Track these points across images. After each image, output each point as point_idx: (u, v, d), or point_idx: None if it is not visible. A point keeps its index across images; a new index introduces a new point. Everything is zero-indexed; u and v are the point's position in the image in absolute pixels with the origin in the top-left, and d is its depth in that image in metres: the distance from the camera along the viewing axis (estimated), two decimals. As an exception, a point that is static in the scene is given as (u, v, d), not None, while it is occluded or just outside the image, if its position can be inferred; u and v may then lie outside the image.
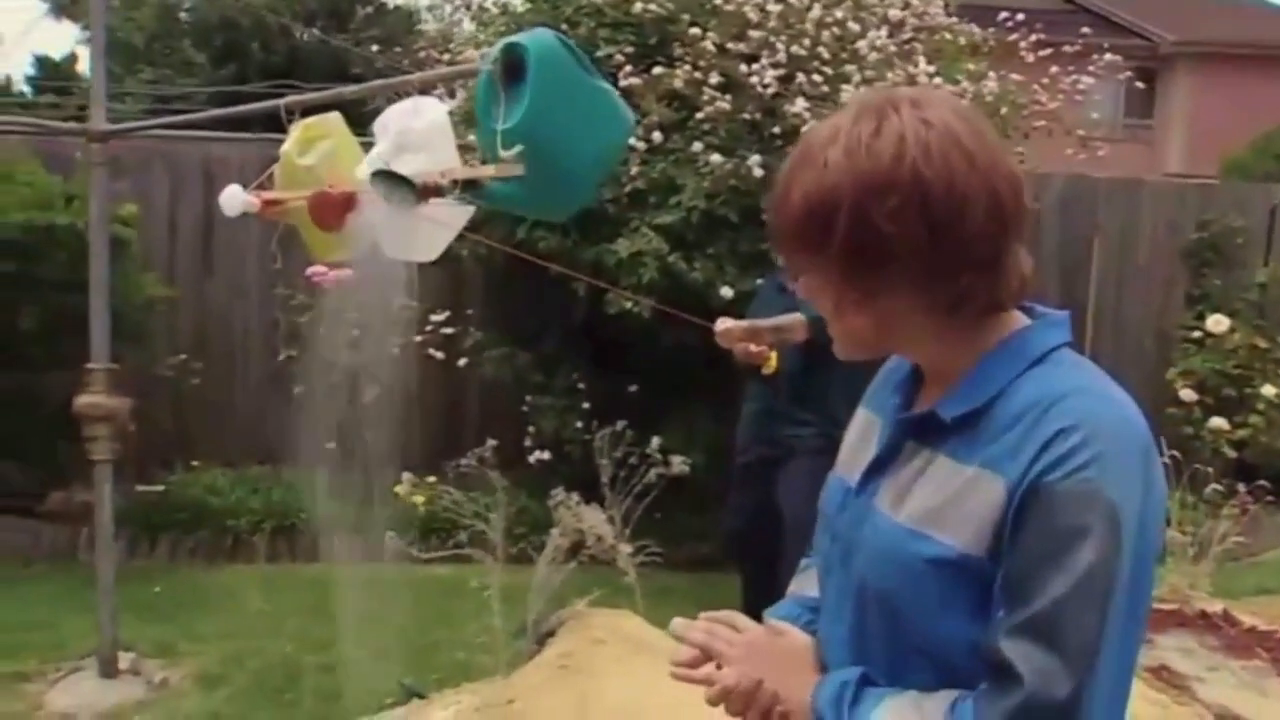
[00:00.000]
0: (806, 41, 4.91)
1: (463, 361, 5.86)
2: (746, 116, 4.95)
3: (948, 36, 5.59)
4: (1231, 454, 6.19)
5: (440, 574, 4.65)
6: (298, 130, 2.93)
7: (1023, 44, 6.02)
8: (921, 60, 5.02)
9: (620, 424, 4.21)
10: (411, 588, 4.62)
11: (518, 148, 2.24)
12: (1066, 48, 6.01)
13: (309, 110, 2.98)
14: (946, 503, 1.08)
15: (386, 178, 2.34)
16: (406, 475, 4.39)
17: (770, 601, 1.43)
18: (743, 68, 4.92)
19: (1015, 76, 5.68)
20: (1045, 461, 1.02)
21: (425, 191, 2.34)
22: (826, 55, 4.92)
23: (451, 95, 5.26)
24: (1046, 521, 1.01)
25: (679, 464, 4.04)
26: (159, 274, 6.06)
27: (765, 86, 4.82)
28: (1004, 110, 5.46)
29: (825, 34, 4.95)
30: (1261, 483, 5.10)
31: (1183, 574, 4.61)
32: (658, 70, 4.94)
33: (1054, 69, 5.81)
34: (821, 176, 1.08)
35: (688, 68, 4.92)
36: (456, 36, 6.61)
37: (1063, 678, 0.98)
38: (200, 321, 6.45)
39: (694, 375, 4.89)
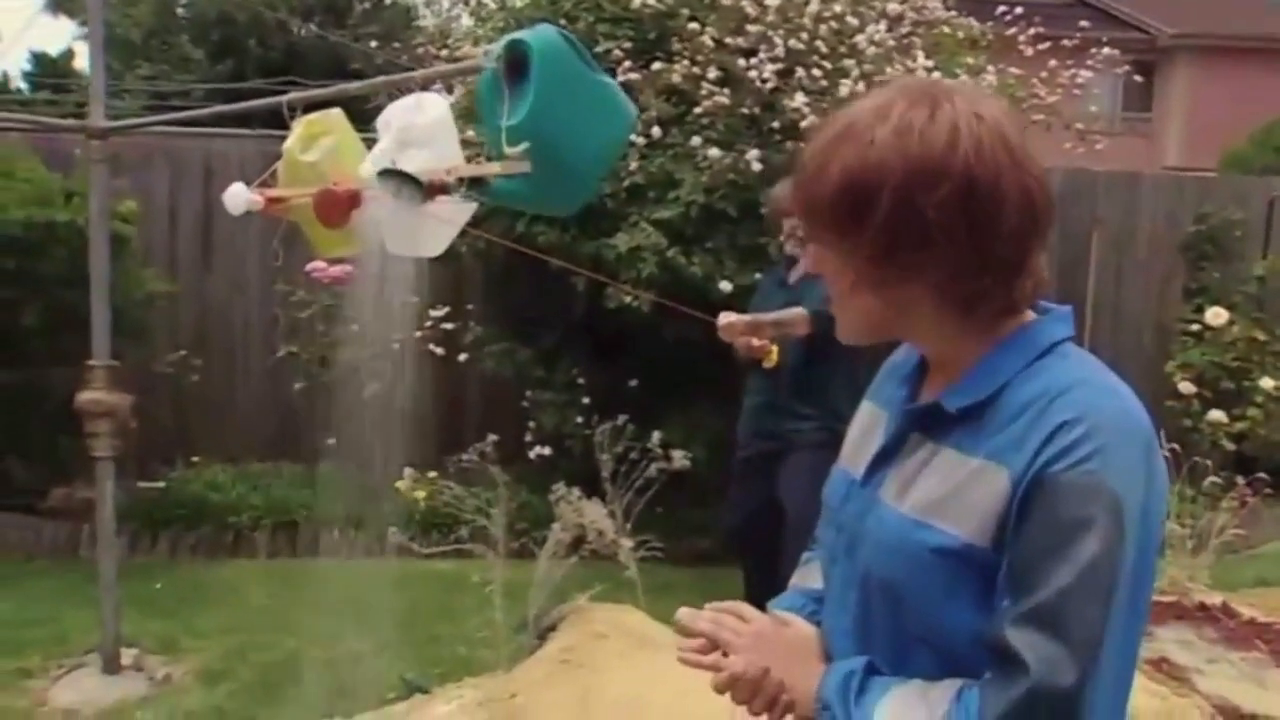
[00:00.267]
0: (805, 36, 4.91)
1: (463, 357, 5.87)
2: (745, 111, 4.96)
3: (946, 30, 5.58)
4: (1230, 447, 6.21)
5: (442, 569, 4.65)
6: (300, 126, 2.93)
7: (1021, 38, 6.02)
8: (920, 55, 5.02)
9: (621, 418, 4.22)
10: (413, 583, 4.64)
11: (523, 144, 2.25)
12: (1065, 42, 6.00)
13: (311, 107, 2.98)
14: (951, 493, 1.10)
15: (393, 176, 2.34)
16: (408, 471, 4.38)
17: (772, 596, 1.43)
18: (741, 62, 4.92)
19: (1014, 70, 5.68)
20: (1050, 453, 1.03)
21: (432, 189, 2.35)
22: (825, 50, 4.92)
23: (450, 91, 5.25)
24: (1051, 512, 1.02)
25: (680, 459, 4.04)
26: (159, 270, 6.07)
27: (764, 81, 4.82)
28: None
29: (823, 28, 4.95)
30: (1260, 475, 5.11)
31: (1181, 566, 4.62)
32: (656, 65, 4.94)
33: (1052, 63, 5.80)
34: (866, 153, 1.08)
35: (686, 63, 4.92)
36: (455, 32, 6.60)
37: (1068, 666, 0.99)
38: (200, 318, 6.46)
39: (694, 370, 4.89)
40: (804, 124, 4.70)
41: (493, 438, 4.30)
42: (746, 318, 3.99)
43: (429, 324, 5.76)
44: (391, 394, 4.23)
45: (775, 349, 3.93)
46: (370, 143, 2.70)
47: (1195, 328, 6.77)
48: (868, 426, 1.31)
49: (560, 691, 3.47)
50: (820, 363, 3.84)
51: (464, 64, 3.16)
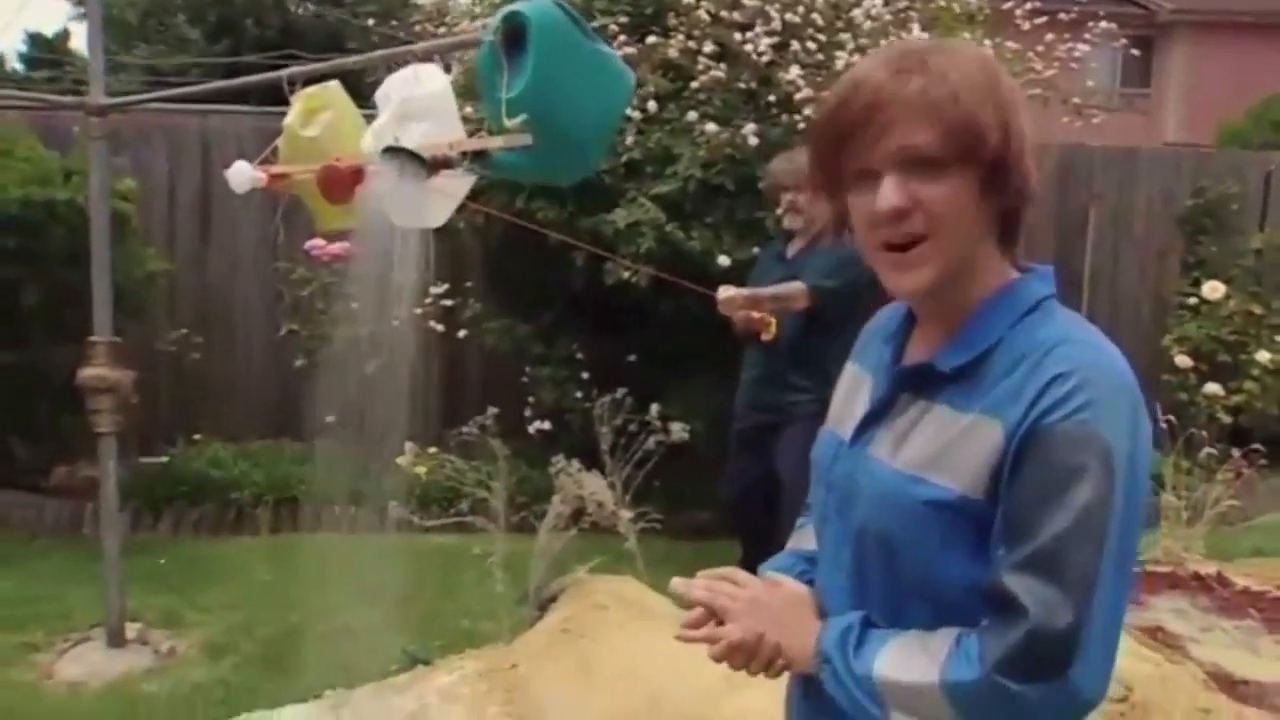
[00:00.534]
0: (801, 9, 4.91)
1: (463, 333, 5.89)
2: (742, 86, 4.96)
3: (942, 4, 5.57)
4: (1227, 419, 6.23)
5: (443, 543, 4.69)
6: (299, 101, 2.95)
7: (1018, 12, 6.01)
8: (915, 28, 5.02)
9: (620, 391, 4.24)
10: (415, 557, 4.67)
11: (522, 116, 2.27)
12: (1062, 15, 5.98)
13: (310, 81, 3.00)
14: (944, 449, 1.13)
15: (397, 153, 2.36)
16: (409, 446, 4.41)
17: None
18: (737, 36, 4.92)
19: (1010, 44, 5.67)
20: (1044, 405, 1.07)
21: (435, 164, 2.37)
22: (821, 23, 4.92)
23: (448, 70, 5.25)
24: (1046, 461, 1.06)
25: (678, 431, 4.07)
26: (159, 249, 6.08)
27: (760, 55, 4.82)
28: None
29: (819, 1, 4.95)
30: (1256, 447, 5.14)
31: (1176, 537, 4.66)
32: (652, 40, 4.94)
33: (1049, 36, 5.79)
34: (974, 75, 1.14)
35: (682, 37, 4.92)
36: (452, 9, 6.59)
37: (1065, 608, 1.03)
38: (201, 296, 6.47)
39: (693, 344, 4.91)
40: (799, 96, 4.70)
41: (493, 410, 4.32)
42: (746, 292, 4.02)
43: (429, 300, 5.77)
44: (391, 371, 4.25)
45: (774, 322, 3.96)
46: (370, 117, 2.71)
47: (1192, 301, 6.78)
48: (852, 388, 1.34)
49: (560, 662, 3.51)
50: (817, 336, 3.87)
51: (462, 36, 3.18)
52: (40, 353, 5.15)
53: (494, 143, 2.35)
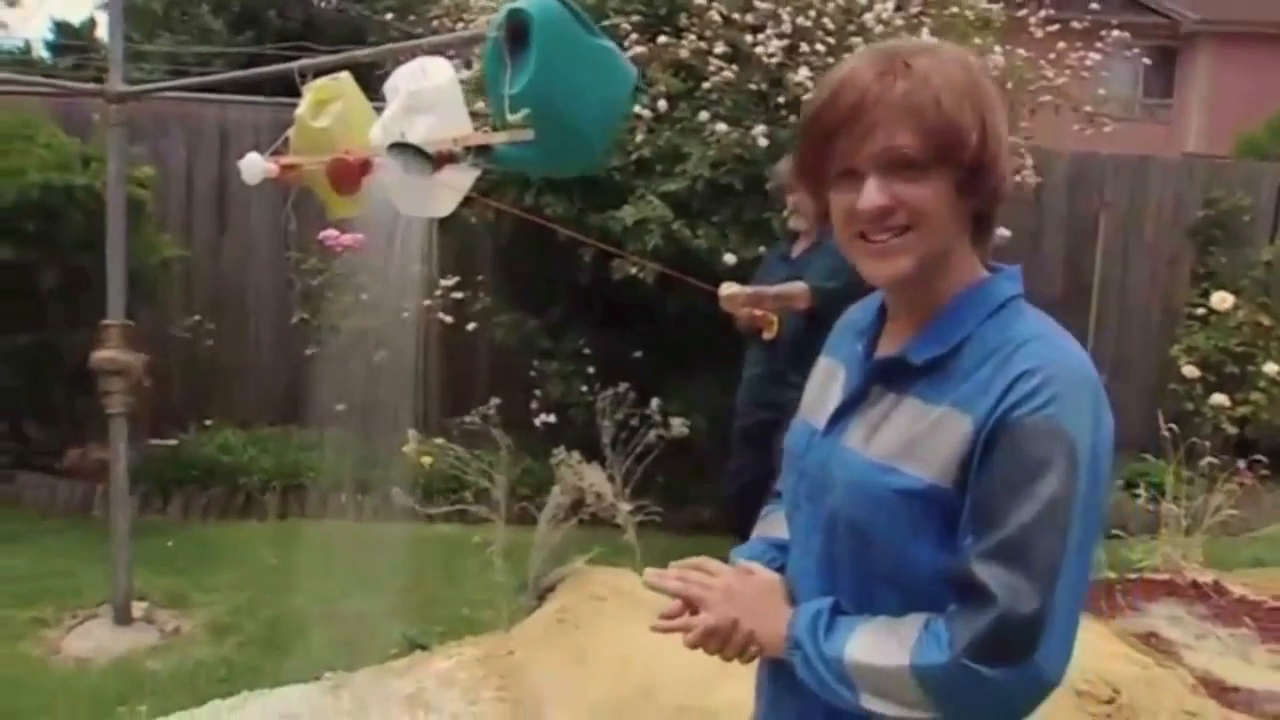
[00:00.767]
0: (812, 13, 4.95)
1: (472, 326, 5.95)
2: (753, 87, 5.00)
3: (954, 10, 5.59)
4: (1232, 430, 6.24)
5: (446, 532, 4.75)
6: (310, 93, 3.01)
7: (1032, 20, 6.01)
8: (925, 33, 5.04)
9: (623, 386, 4.28)
10: (418, 545, 4.73)
11: (524, 111, 2.32)
12: (1074, 24, 6.00)
13: (321, 73, 3.06)
14: (915, 439, 1.18)
15: (403, 149, 2.42)
16: (412, 432, 4.48)
17: None
18: (748, 38, 4.96)
19: (1020, 52, 5.68)
20: (1012, 399, 1.12)
21: (441, 159, 2.43)
22: (831, 26, 4.96)
23: (468, 66, 5.30)
24: (1013, 453, 1.11)
25: (678, 425, 4.11)
26: (175, 236, 6.16)
27: (770, 57, 4.86)
28: (1010, 85, 5.48)
29: (831, 5, 4.99)
30: (1259, 457, 5.15)
31: (1175, 545, 4.68)
32: (663, 40, 4.98)
33: (1061, 44, 5.80)
34: (954, 74, 1.18)
35: (693, 37, 4.96)
36: (473, 6, 6.64)
37: (1031, 595, 1.08)
38: (215, 283, 6.56)
39: (699, 341, 4.95)
40: (808, 98, 4.73)
41: (495, 400, 4.37)
42: (748, 289, 4.06)
43: (438, 293, 5.84)
44: (400, 361, 4.31)
45: (776, 320, 3.99)
46: (381, 111, 2.77)
47: (1201, 312, 6.77)
48: (825, 380, 1.39)
49: (556, 650, 3.57)
50: (818, 335, 3.87)
51: (467, 33, 3.23)
52: (56, 336, 5.23)
53: (497, 138, 2.41)
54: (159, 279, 5.68)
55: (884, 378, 1.26)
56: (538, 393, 5.66)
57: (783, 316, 3.99)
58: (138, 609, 4.15)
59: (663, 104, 4.93)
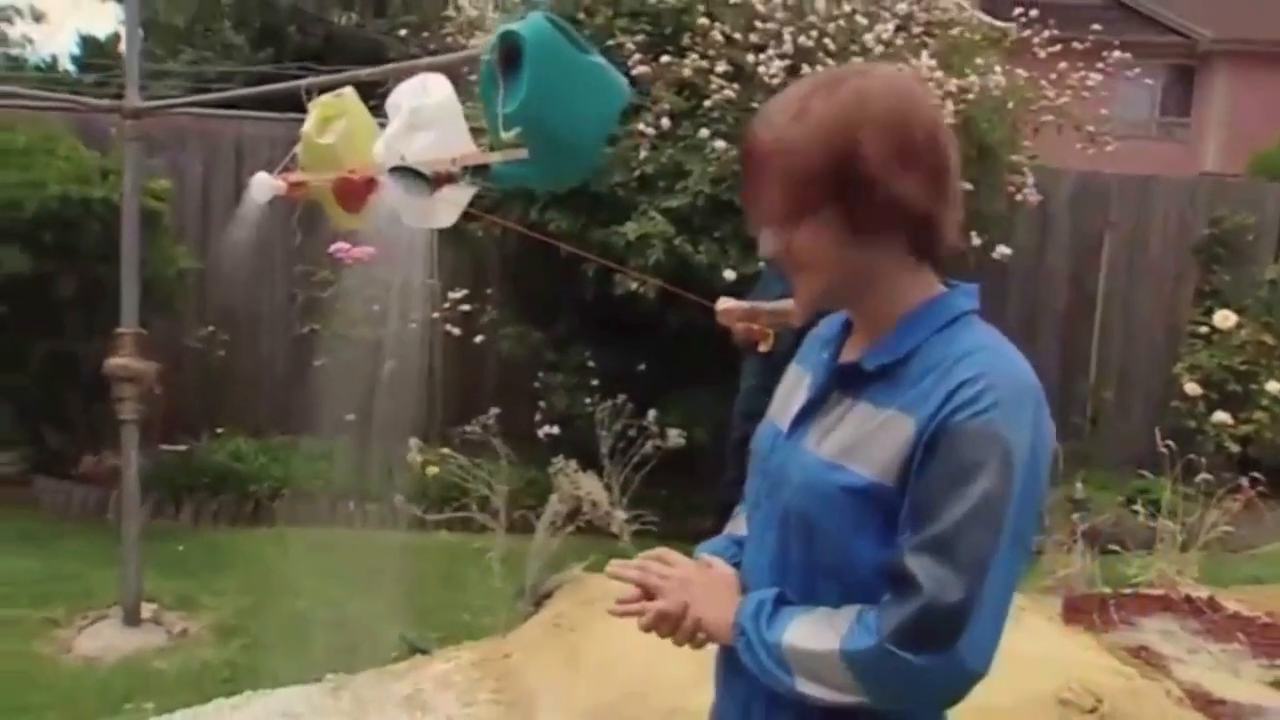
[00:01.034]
0: (814, 34, 5.03)
1: (479, 338, 6.04)
2: (754, 105, 5.08)
3: (955, 31, 5.67)
4: (1235, 449, 6.27)
5: (448, 540, 4.83)
6: (316, 109, 3.12)
7: (1036, 40, 6.07)
8: (924, 54, 5.12)
9: (621, 398, 4.36)
10: (420, 552, 4.83)
11: (515, 129, 2.42)
12: (1075, 44, 6.05)
13: (327, 90, 3.17)
14: (862, 440, 1.25)
15: (404, 172, 2.53)
16: (414, 441, 4.57)
17: None
18: (750, 58, 5.05)
19: (1021, 72, 5.74)
20: (953, 405, 1.19)
21: (439, 180, 2.54)
22: (833, 47, 5.04)
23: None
24: (951, 455, 1.18)
25: (675, 436, 4.19)
26: (191, 248, 6.28)
27: (772, 76, 4.94)
28: (1011, 104, 5.55)
29: (832, 26, 5.08)
30: (1255, 474, 5.17)
31: (1171, 561, 4.72)
32: (665, 59, 5.07)
33: (1062, 65, 5.86)
34: (838, 117, 1.22)
35: (696, 56, 5.05)
36: (486, 24, 6.77)
37: (956, 586, 1.14)
38: (229, 295, 6.67)
39: (699, 355, 5.02)
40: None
41: (494, 410, 4.45)
42: (744, 304, 4.13)
43: (447, 305, 5.94)
44: (408, 372, 4.41)
45: (772, 334, 4.07)
46: (384, 125, 2.88)
47: (1204, 330, 6.81)
48: (792, 386, 1.47)
49: (551, 654, 3.65)
50: (811, 350, 3.96)
51: (462, 54, 3.33)
52: (74, 344, 5.34)
53: (493, 158, 2.52)
54: (174, 289, 5.79)
55: (841, 383, 1.33)
56: (543, 404, 5.75)
57: (778, 331, 4.06)
58: (147, 611, 4.25)
59: (666, 121, 5.02)
